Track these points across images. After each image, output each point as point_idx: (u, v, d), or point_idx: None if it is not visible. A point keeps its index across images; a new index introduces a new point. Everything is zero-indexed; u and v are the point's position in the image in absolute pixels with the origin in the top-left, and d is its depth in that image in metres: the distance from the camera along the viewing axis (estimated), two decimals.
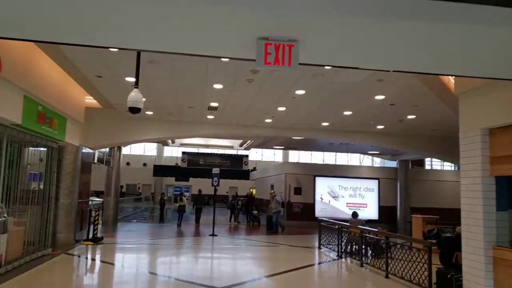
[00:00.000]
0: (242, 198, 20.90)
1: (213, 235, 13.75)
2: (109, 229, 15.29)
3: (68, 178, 10.40)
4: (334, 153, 42.22)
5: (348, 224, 10.92)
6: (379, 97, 9.41)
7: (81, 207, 11.07)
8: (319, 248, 11.80)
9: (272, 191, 19.87)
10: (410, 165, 21.09)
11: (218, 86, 8.90)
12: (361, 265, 9.18)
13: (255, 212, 18.58)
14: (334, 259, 10.22)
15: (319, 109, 10.94)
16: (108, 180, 16.91)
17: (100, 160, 15.40)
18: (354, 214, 11.47)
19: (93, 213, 11.25)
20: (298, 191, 19.14)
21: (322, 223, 12.10)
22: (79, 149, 10.75)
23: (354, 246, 10.50)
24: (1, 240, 6.89)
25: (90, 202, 12.41)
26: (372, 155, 23.12)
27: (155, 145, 39.78)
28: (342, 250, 10.48)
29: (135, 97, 6.20)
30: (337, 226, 10.95)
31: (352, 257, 10.17)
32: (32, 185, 9.14)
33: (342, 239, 10.59)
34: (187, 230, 16.76)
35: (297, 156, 40.26)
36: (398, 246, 8.66)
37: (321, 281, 8.26)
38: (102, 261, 9.02)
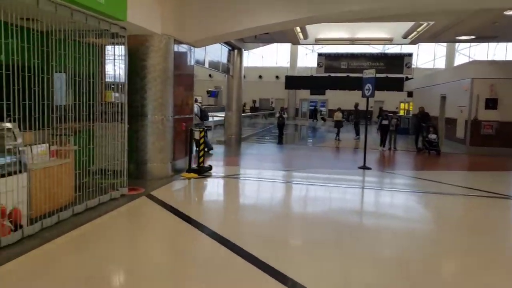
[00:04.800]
0: (393, 115, 15.25)
1: (364, 167, 9.49)
2: (231, 151, 12.51)
3: (155, 85, 7.22)
4: None
5: None
6: None
7: (180, 126, 8.01)
8: None
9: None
10: None
11: None
12: None
13: (432, 136, 12.65)
14: None
15: None
16: (229, 92, 13.86)
17: (215, 66, 12.15)
18: None
19: (196, 135, 8.12)
20: (491, 104, 12.81)
21: None
22: (169, 42, 7.29)
23: None
24: (13, 185, 4.02)
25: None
26: None
27: (288, 55, 35.79)
28: None
29: None
30: None
31: None
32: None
33: None
34: (330, 155, 12.91)
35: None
36: None
37: None
38: (191, 218, 5.75)
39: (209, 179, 7.74)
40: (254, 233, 4.87)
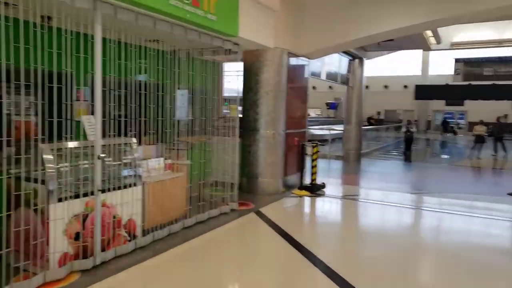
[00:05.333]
0: None
1: None
2: (349, 168, 11.72)
3: (268, 100, 7.11)
4: None
5: None
6: None
7: (292, 141, 7.72)
8: None
9: None
10: None
11: None
12: None
13: None
14: None
15: None
16: (348, 104, 13.10)
17: (333, 78, 11.64)
18: None
19: (308, 150, 7.73)
20: None
21: None
22: (282, 55, 7.13)
23: None
24: (128, 197, 4.25)
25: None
26: None
27: (419, 62, 32.75)
28: None
29: None
30: None
31: None
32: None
33: None
34: (469, 176, 11.03)
35: None
36: None
37: None
38: (299, 243, 5.31)
39: (322, 199, 7.22)
40: (372, 270, 4.17)
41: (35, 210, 3.48)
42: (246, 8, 5.67)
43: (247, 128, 7.13)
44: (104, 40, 3.87)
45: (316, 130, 17.81)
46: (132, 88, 4.35)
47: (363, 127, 13.94)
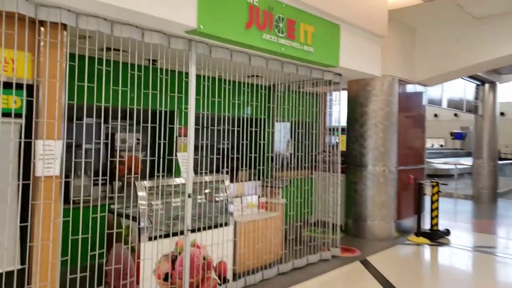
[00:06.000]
0: None
1: None
2: (481, 211, 9.85)
3: (376, 132, 6.40)
4: None
5: None
6: None
7: (407, 179, 6.75)
8: None
9: None
10: None
11: None
12: None
13: None
14: None
15: None
16: (478, 135, 11.27)
17: (456, 106, 10.18)
18: None
19: (427, 190, 6.64)
20: None
21: None
22: (392, 83, 6.42)
23: None
24: (219, 237, 4.06)
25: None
26: None
27: None
28: None
29: None
30: None
31: None
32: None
33: None
34: None
35: None
36: None
37: None
38: None
39: (446, 249, 6.04)
40: None
41: (128, 248, 3.51)
42: (349, 36, 5.24)
43: (353, 164, 6.51)
44: (198, 77, 3.88)
45: (439, 164, 15.80)
46: (227, 124, 4.27)
47: (500, 162, 11.75)
